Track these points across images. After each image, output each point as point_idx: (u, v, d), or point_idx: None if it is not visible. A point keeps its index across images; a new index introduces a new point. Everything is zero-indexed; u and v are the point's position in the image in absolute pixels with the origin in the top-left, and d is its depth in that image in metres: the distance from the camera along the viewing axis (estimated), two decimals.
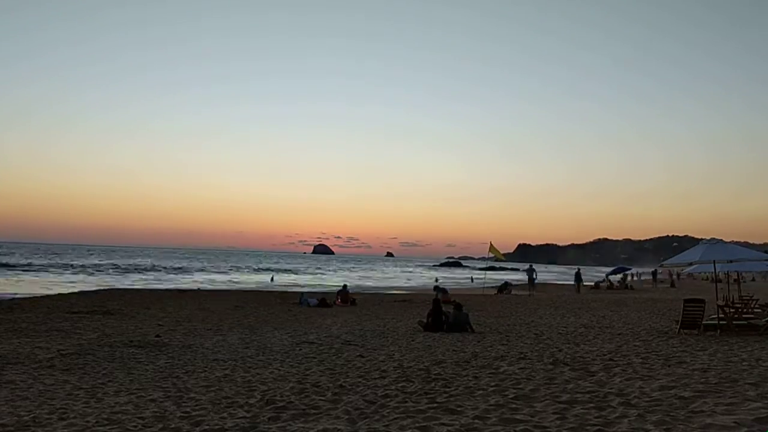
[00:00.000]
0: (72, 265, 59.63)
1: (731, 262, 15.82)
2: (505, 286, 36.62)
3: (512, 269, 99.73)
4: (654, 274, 53.29)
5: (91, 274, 48.78)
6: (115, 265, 65.63)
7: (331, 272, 76.09)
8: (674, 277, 54.15)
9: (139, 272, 54.00)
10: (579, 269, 42.85)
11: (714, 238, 13.99)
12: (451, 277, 66.25)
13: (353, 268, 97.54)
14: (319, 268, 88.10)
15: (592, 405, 5.92)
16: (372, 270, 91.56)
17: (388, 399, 6.59)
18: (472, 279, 60.50)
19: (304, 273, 71.17)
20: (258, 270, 72.37)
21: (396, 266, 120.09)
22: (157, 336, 12.53)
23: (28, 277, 41.61)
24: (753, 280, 55.33)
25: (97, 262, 72.63)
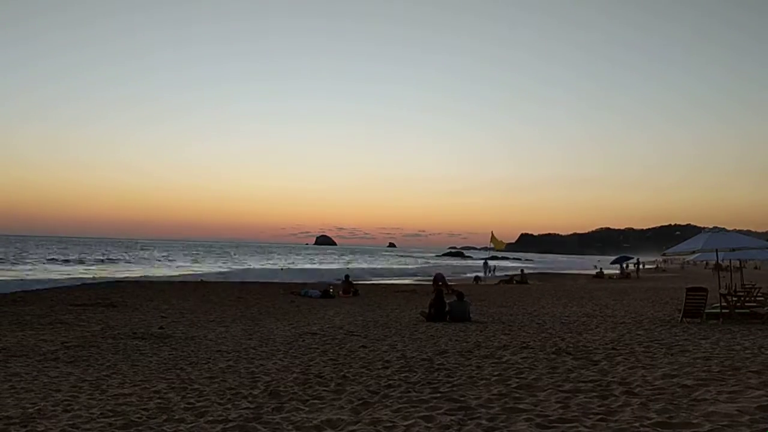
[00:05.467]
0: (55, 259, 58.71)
1: (734, 250, 15.82)
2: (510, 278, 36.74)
3: (514, 259, 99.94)
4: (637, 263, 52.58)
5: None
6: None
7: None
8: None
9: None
10: (486, 260, 42.17)
11: (716, 227, 13.99)
12: (450, 266, 66.26)
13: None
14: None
15: (594, 394, 5.93)
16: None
17: (392, 389, 6.61)
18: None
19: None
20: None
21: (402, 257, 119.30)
22: (161, 328, 12.57)
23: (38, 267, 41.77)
24: (757, 268, 55.23)
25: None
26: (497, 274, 40.64)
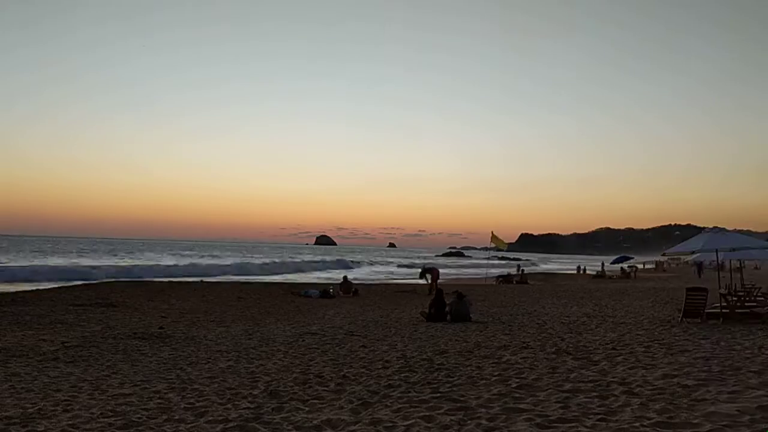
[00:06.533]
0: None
1: (734, 250, 15.83)
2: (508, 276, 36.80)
3: (514, 259, 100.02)
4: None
5: None
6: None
7: None
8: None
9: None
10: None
11: (716, 227, 13.99)
12: (451, 267, 66.26)
13: None
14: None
15: (594, 394, 5.93)
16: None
17: (392, 389, 6.61)
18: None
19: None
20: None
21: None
22: (161, 328, 12.57)
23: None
24: (756, 268, 55.21)
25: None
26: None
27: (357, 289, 23.39)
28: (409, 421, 5.16)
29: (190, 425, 5.35)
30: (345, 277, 25.16)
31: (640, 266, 60.76)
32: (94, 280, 30.95)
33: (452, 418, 5.22)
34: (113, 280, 31.22)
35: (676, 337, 10.13)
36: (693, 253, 18.26)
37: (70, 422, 5.47)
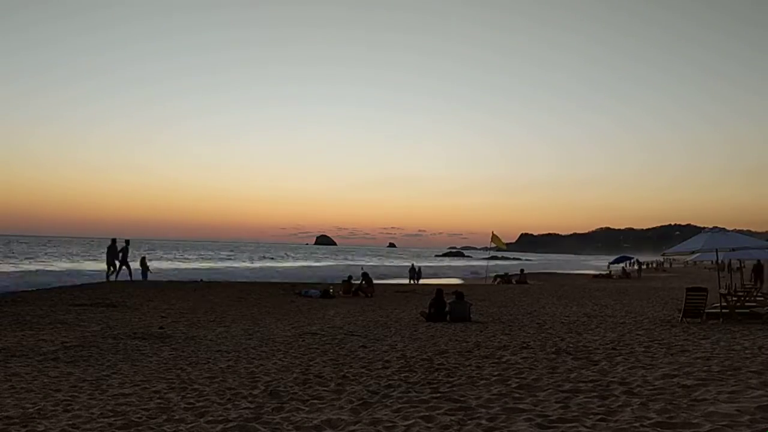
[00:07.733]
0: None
1: (734, 250, 15.83)
2: (506, 275, 36.78)
3: (515, 259, 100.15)
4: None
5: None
6: None
7: None
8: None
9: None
10: (413, 264, 40.41)
11: (716, 227, 13.98)
12: (452, 267, 66.20)
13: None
14: None
15: (594, 394, 5.93)
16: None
17: (392, 389, 6.61)
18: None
19: None
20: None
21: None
22: (161, 328, 12.57)
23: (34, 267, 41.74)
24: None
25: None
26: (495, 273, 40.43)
27: (358, 290, 23.25)
28: (409, 421, 5.16)
29: (190, 425, 5.35)
30: (350, 277, 25.05)
31: (645, 267, 60.96)
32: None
33: (452, 418, 5.22)
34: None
35: (676, 337, 10.13)
36: (693, 252, 18.24)
37: (70, 422, 5.47)
